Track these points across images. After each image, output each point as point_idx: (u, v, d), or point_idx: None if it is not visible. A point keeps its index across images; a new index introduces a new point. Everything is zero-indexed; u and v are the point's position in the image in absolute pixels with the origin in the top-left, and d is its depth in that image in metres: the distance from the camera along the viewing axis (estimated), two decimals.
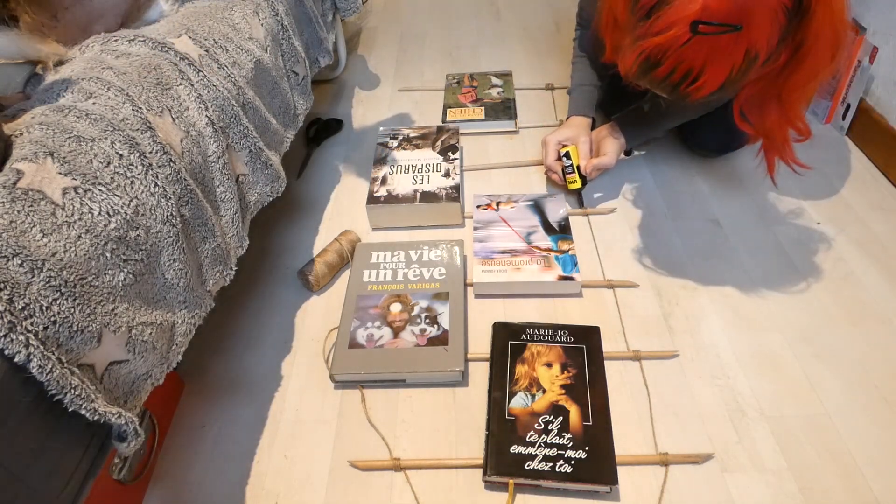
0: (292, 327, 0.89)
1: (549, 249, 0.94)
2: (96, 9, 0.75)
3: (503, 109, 1.27)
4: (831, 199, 1.04)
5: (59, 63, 0.69)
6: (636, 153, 1.16)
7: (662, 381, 0.79)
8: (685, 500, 0.67)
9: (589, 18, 1.08)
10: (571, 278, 0.89)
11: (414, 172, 1.08)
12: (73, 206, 0.51)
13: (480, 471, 0.70)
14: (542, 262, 0.92)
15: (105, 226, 0.52)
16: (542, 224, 0.99)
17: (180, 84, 0.69)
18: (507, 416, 0.73)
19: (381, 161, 1.12)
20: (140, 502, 0.71)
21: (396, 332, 0.83)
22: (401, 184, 1.06)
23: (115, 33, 0.72)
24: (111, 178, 0.55)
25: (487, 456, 0.70)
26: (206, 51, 0.75)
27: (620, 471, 0.69)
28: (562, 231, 0.97)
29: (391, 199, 1.03)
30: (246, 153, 0.77)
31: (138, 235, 0.55)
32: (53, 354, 0.44)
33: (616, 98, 1.14)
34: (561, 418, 0.72)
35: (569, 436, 0.70)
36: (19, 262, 0.44)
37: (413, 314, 0.85)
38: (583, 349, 0.80)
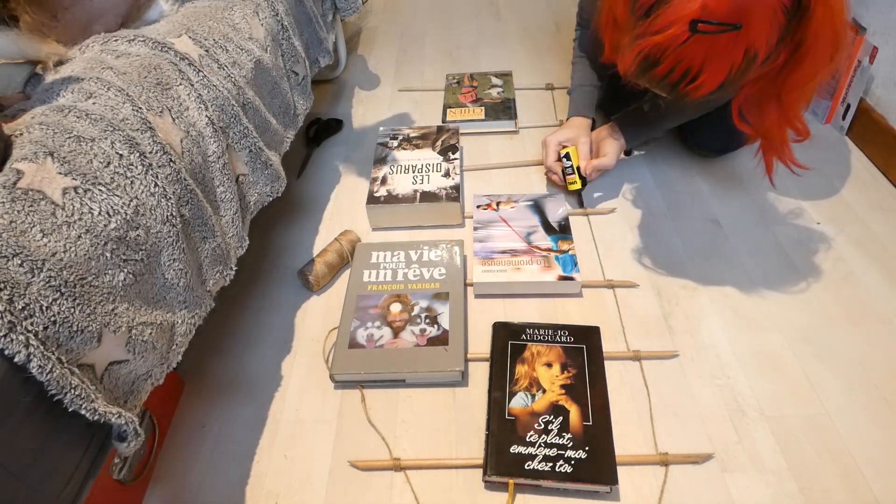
0: (292, 327, 0.89)
1: (549, 249, 0.94)
2: (96, 9, 0.75)
3: (503, 109, 1.27)
4: (831, 199, 1.04)
5: (59, 63, 0.69)
6: (636, 153, 1.16)
7: (662, 381, 0.79)
8: (685, 500, 0.67)
9: (589, 18, 1.08)
10: (571, 278, 0.89)
11: (414, 172, 1.08)
12: (73, 206, 0.51)
13: (480, 471, 0.70)
14: (542, 262, 0.92)
15: (105, 226, 0.52)
16: (542, 224, 0.99)
17: (180, 84, 0.69)
18: (507, 416, 0.73)
19: (381, 161, 1.12)
20: (140, 502, 0.71)
21: (396, 332, 0.83)
22: (401, 184, 1.06)
23: (115, 33, 0.72)
24: (111, 178, 0.55)
25: (487, 456, 0.70)
26: (206, 51, 0.75)
27: (620, 471, 0.69)
28: (562, 231, 0.97)
29: (391, 199, 1.03)
30: (246, 153, 0.77)
31: (138, 235, 0.56)
32: (53, 354, 0.44)
33: (616, 98, 1.14)
34: (561, 418, 0.72)
35: (569, 436, 0.70)
36: (19, 262, 0.44)
37: (413, 314, 0.85)
38: (583, 349, 0.80)
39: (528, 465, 0.68)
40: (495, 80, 1.37)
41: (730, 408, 0.75)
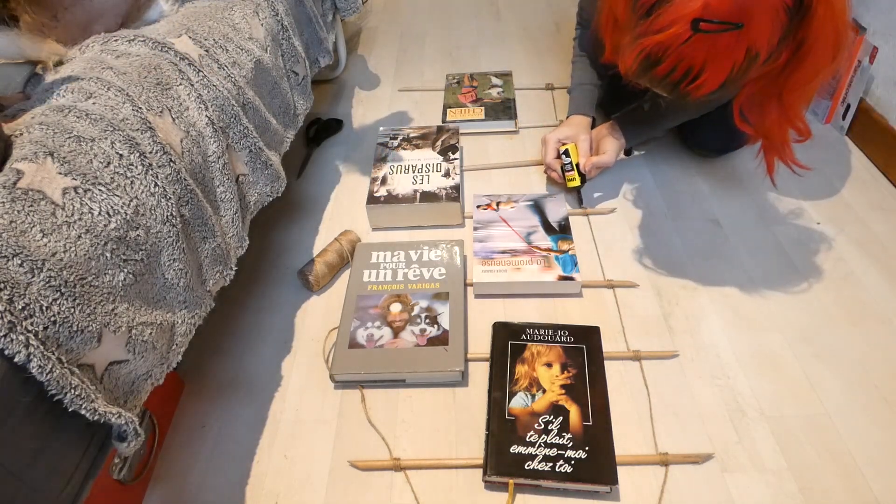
0: (292, 327, 0.89)
1: (549, 249, 0.94)
2: (96, 9, 0.75)
3: (503, 109, 1.27)
4: (831, 199, 1.04)
5: (59, 63, 0.69)
6: (636, 153, 1.16)
7: (662, 381, 0.79)
8: (685, 500, 0.67)
9: (589, 18, 1.08)
10: (571, 278, 0.89)
11: (414, 172, 1.08)
12: (73, 206, 0.51)
13: (480, 471, 0.70)
14: (542, 262, 0.92)
15: (105, 226, 0.52)
16: (542, 224, 0.99)
17: (180, 84, 0.69)
18: (507, 416, 0.73)
19: (381, 161, 1.12)
20: (140, 502, 0.71)
21: (396, 332, 0.83)
22: (401, 184, 1.06)
23: (115, 33, 0.72)
24: (111, 178, 0.55)
25: (487, 456, 0.70)
26: (206, 51, 0.75)
27: (620, 471, 0.69)
28: (562, 231, 0.97)
29: (391, 199, 1.03)
30: (246, 153, 0.77)
31: (138, 235, 0.56)
32: (53, 354, 0.44)
33: (616, 98, 1.14)
34: (561, 418, 0.72)
35: (569, 436, 0.70)
36: (19, 262, 0.44)
37: (413, 314, 0.85)
38: (583, 349, 0.80)
39: (528, 465, 0.68)
40: (495, 80, 1.37)
41: (730, 408, 0.75)
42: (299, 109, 0.98)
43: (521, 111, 1.29)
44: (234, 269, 0.73)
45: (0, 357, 0.41)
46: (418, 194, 1.03)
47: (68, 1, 0.73)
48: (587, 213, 1.04)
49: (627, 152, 1.16)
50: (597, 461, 0.68)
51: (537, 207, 1.02)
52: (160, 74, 0.68)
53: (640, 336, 0.84)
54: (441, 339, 0.82)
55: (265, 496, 0.70)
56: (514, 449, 0.70)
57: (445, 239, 0.98)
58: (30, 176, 0.50)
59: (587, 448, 0.69)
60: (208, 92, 0.71)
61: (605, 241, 0.99)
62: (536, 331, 0.83)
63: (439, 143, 1.15)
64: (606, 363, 0.79)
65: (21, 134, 0.54)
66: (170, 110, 0.66)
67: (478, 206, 1.03)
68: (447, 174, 1.07)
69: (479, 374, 0.81)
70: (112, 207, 0.53)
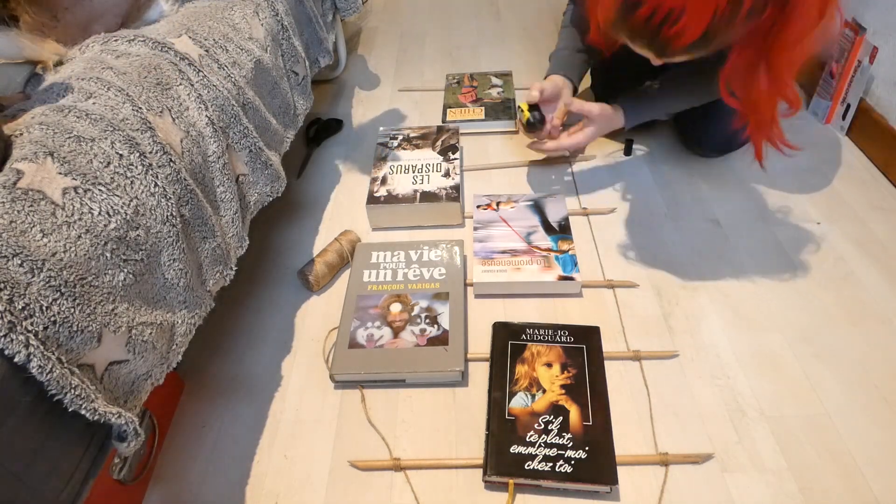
0: (292, 327, 0.89)
1: (549, 249, 0.94)
2: (96, 9, 0.75)
3: (503, 109, 1.27)
4: (831, 200, 1.04)
5: (59, 63, 0.69)
6: (638, 151, 1.16)
7: (662, 381, 0.79)
8: (685, 500, 0.67)
9: None
10: (571, 278, 0.89)
11: (414, 172, 1.08)
12: (73, 206, 0.51)
13: (480, 471, 0.70)
14: (542, 262, 0.92)
15: (105, 226, 0.52)
16: (542, 224, 0.99)
17: (180, 84, 0.69)
18: (507, 416, 0.73)
19: (381, 161, 1.12)
20: (140, 502, 0.71)
21: (396, 332, 0.83)
22: (401, 184, 1.06)
23: (115, 33, 0.72)
24: (111, 178, 0.55)
25: (487, 456, 0.70)
26: (206, 51, 0.75)
27: (620, 471, 0.69)
28: (562, 231, 0.97)
29: (391, 199, 1.03)
30: (246, 153, 0.77)
31: (138, 235, 0.56)
32: (53, 354, 0.44)
33: (609, 87, 1.14)
34: (561, 418, 0.72)
35: (569, 436, 0.70)
36: (19, 262, 0.44)
37: (413, 314, 0.85)
38: (583, 349, 0.80)
39: (528, 465, 0.68)
40: (495, 80, 1.37)
41: (730, 408, 0.75)
42: (299, 109, 0.98)
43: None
44: (234, 269, 0.73)
45: (0, 357, 0.41)
46: (418, 194, 1.03)
47: (68, 1, 0.73)
48: (587, 213, 1.04)
49: (627, 152, 1.16)
50: (597, 461, 0.68)
51: (537, 207, 1.02)
52: (160, 74, 0.68)
53: (640, 336, 0.84)
54: (441, 339, 0.82)
55: (265, 496, 0.70)
56: (514, 449, 0.70)
57: (445, 239, 0.98)
58: (30, 176, 0.50)
59: (587, 448, 0.69)
60: (208, 92, 0.71)
61: (605, 241, 0.99)
62: (536, 331, 0.83)
63: (439, 143, 1.15)
64: (606, 363, 0.79)
65: (21, 134, 0.54)
66: (170, 110, 0.66)
67: (478, 206, 1.03)
68: (447, 174, 1.07)
69: (479, 374, 0.81)
70: (112, 207, 0.53)
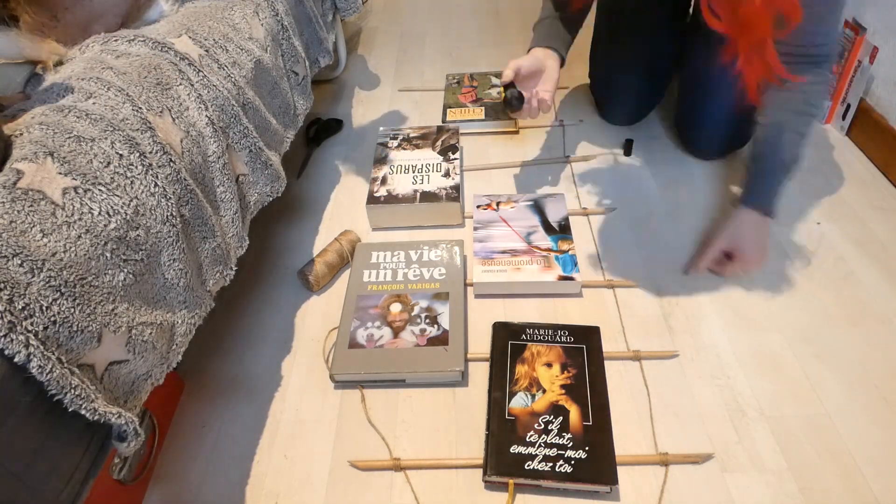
0: (292, 327, 0.89)
1: (549, 249, 0.94)
2: (96, 9, 0.75)
3: (503, 109, 1.27)
4: (831, 199, 1.04)
5: (59, 63, 0.69)
6: (637, 153, 1.16)
7: (662, 381, 0.79)
8: (685, 500, 0.67)
9: None
10: (571, 278, 0.89)
11: (414, 172, 1.08)
12: (73, 206, 0.51)
13: (480, 471, 0.70)
14: (542, 262, 0.92)
15: (105, 226, 0.52)
16: (542, 224, 0.99)
17: (180, 84, 0.69)
18: (507, 416, 0.73)
19: (381, 161, 1.12)
20: (140, 502, 0.71)
21: (396, 332, 0.83)
22: (401, 184, 1.06)
23: (115, 33, 0.72)
24: (111, 178, 0.55)
25: (487, 456, 0.70)
26: (206, 51, 0.75)
27: (620, 471, 0.69)
28: (562, 231, 0.97)
29: (391, 199, 1.03)
30: (246, 153, 0.77)
31: (138, 235, 0.56)
32: (53, 354, 0.44)
33: (614, 35, 1.13)
34: (561, 418, 0.72)
35: (569, 436, 0.70)
36: (19, 262, 0.44)
37: (413, 314, 0.85)
38: (583, 349, 0.80)
39: (528, 465, 0.68)
40: (495, 80, 1.37)
41: (730, 408, 0.75)
42: (299, 109, 0.98)
43: None
44: (234, 269, 0.73)
45: (0, 357, 0.41)
46: (418, 194, 1.03)
47: (68, 1, 0.73)
48: (587, 213, 1.04)
49: (627, 152, 1.16)
50: (597, 461, 0.68)
51: (537, 207, 1.02)
52: (160, 74, 0.68)
53: (640, 336, 0.84)
54: (441, 339, 0.82)
55: (265, 496, 0.70)
56: (514, 449, 0.70)
57: (445, 239, 0.98)
58: (30, 176, 0.50)
59: (587, 448, 0.69)
60: (208, 92, 0.71)
61: (605, 241, 0.99)
62: (536, 331, 0.83)
63: (439, 143, 1.15)
64: (606, 363, 0.79)
65: (21, 134, 0.54)
66: (170, 110, 0.66)
67: (478, 206, 1.03)
68: (447, 174, 1.07)
69: (479, 374, 0.81)
70: (112, 207, 0.53)
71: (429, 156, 1.12)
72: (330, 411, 0.78)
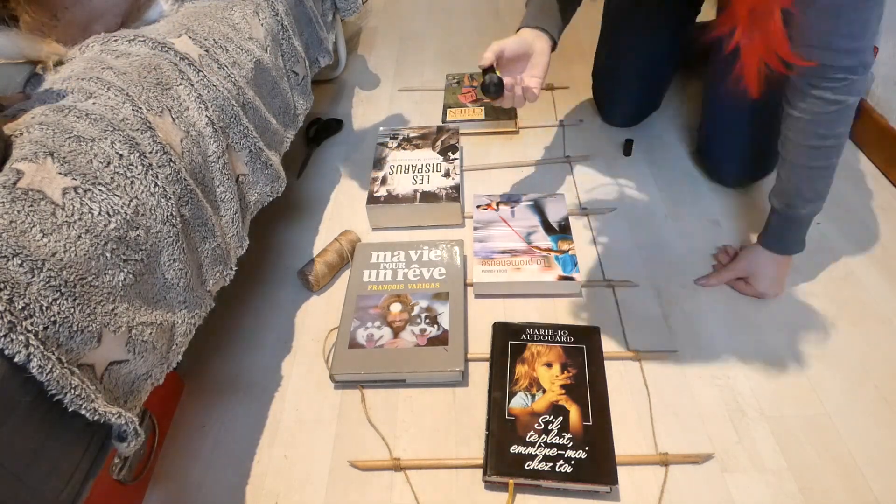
0: (292, 327, 0.89)
1: (549, 249, 0.94)
2: (96, 8, 0.75)
3: (503, 109, 1.27)
4: (831, 199, 1.03)
5: (59, 63, 0.69)
6: (637, 152, 1.16)
7: (662, 381, 0.79)
8: (685, 500, 0.67)
9: None
10: (571, 278, 0.89)
11: (414, 172, 1.08)
12: (73, 206, 0.51)
13: (480, 471, 0.70)
14: (542, 262, 0.92)
15: (105, 226, 0.52)
16: (542, 224, 0.99)
17: (180, 84, 0.69)
18: (507, 416, 0.73)
19: (381, 161, 1.12)
20: (140, 502, 0.71)
21: (396, 332, 0.83)
22: (401, 184, 1.06)
23: (115, 33, 0.72)
24: (111, 178, 0.55)
25: (487, 456, 0.70)
26: (206, 51, 0.75)
27: (620, 471, 0.69)
28: (562, 231, 0.97)
29: (391, 199, 1.03)
30: (246, 153, 0.77)
31: (138, 235, 0.55)
32: (53, 354, 0.44)
33: (617, 35, 1.12)
34: (561, 418, 0.72)
35: (569, 436, 0.70)
36: (19, 262, 0.44)
37: (413, 314, 0.85)
38: (583, 349, 0.80)
39: (528, 465, 0.68)
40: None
41: (730, 408, 0.75)
42: (299, 109, 0.98)
43: (521, 111, 1.29)
44: (234, 269, 0.73)
45: (0, 357, 0.41)
46: (418, 194, 1.03)
47: (68, 1, 0.73)
48: (587, 213, 1.04)
49: (627, 152, 1.16)
50: (597, 461, 0.68)
51: (537, 207, 1.02)
52: (160, 74, 0.68)
53: (640, 336, 0.84)
54: (441, 339, 0.82)
55: (265, 496, 0.70)
56: (514, 449, 0.70)
57: (445, 239, 0.98)
58: (30, 176, 0.50)
59: (587, 448, 0.69)
60: (208, 92, 0.71)
61: (605, 241, 0.99)
62: (536, 331, 0.83)
63: (439, 143, 1.15)
64: (606, 363, 0.79)
65: (21, 134, 0.54)
66: (170, 110, 0.66)
67: (478, 206, 1.03)
68: (447, 174, 1.07)
69: (479, 374, 0.81)
70: (112, 207, 0.53)
71: (429, 156, 1.12)
72: (330, 411, 0.78)
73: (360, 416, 0.78)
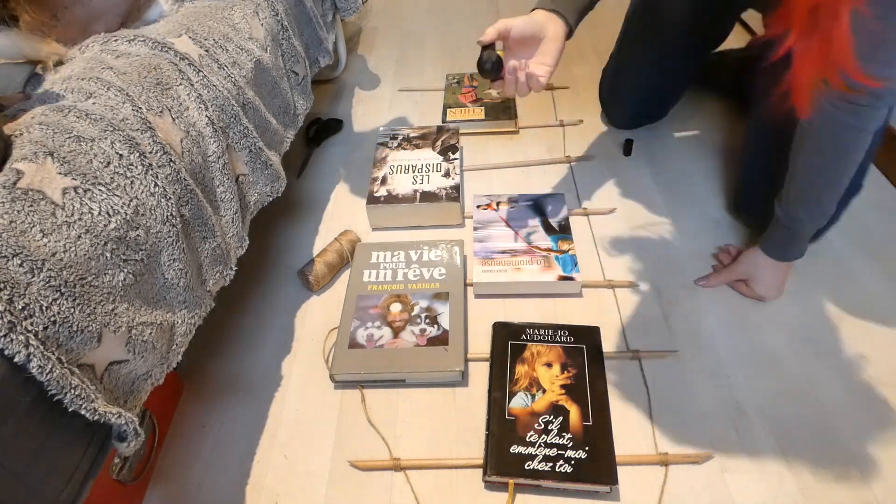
0: (292, 327, 0.89)
1: (549, 249, 0.94)
2: (96, 8, 0.75)
3: (503, 109, 1.27)
4: None
5: (59, 63, 0.69)
6: (637, 152, 1.16)
7: (662, 380, 0.79)
8: (685, 500, 0.67)
9: None
10: (571, 278, 0.89)
11: (414, 172, 1.08)
12: (73, 206, 0.51)
13: (480, 471, 0.70)
14: (542, 262, 0.92)
15: (105, 226, 0.52)
16: (542, 224, 0.99)
17: (180, 84, 0.69)
18: (507, 416, 0.73)
19: (381, 161, 1.12)
20: (140, 502, 0.71)
21: (396, 332, 0.83)
22: (401, 184, 1.06)
23: (115, 33, 0.72)
24: (111, 178, 0.55)
25: (487, 456, 0.70)
26: (206, 51, 0.75)
27: (620, 471, 0.69)
28: (562, 231, 0.97)
29: (391, 199, 1.03)
30: (246, 153, 0.77)
31: (138, 235, 0.56)
32: (53, 354, 0.44)
33: (635, 38, 1.06)
34: (561, 418, 0.72)
35: (569, 436, 0.70)
36: (19, 262, 0.44)
37: (413, 314, 0.85)
38: (583, 349, 0.80)
39: (528, 465, 0.68)
40: None
41: (730, 408, 0.75)
42: (299, 109, 0.98)
43: (521, 111, 1.29)
44: (234, 269, 0.73)
45: (0, 357, 0.41)
46: (418, 194, 1.03)
47: (68, 0, 0.73)
48: (587, 213, 1.04)
49: (627, 152, 1.16)
50: (597, 461, 0.68)
51: (537, 207, 1.02)
52: (160, 74, 0.68)
53: (640, 336, 0.84)
54: (441, 339, 0.82)
55: (265, 496, 0.70)
56: (514, 449, 0.70)
57: (445, 239, 0.98)
58: (30, 176, 0.50)
59: (587, 448, 0.69)
60: (208, 92, 0.71)
61: (605, 241, 0.99)
62: (536, 331, 0.83)
63: (439, 143, 1.15)
64: (606, 363, 0.79)
65: (21, 134, 0.54)
66: (170, 110, 0.66)
67: (478, 206, 1.03)
68: (447, 174, 1.07)
69: (479, 374, 0.81)
70: (112, 207, 0.53)
71: (429, 156, 1.12)
72: (330, 411, 0.78)
73: (360, 416, 0.78)
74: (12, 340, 0.41)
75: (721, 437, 0.72)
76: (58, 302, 0.46)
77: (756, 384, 0.77)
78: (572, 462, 0.68)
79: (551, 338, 0.82)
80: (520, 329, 0.83)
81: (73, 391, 0.45)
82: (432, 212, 1.03)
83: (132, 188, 0.56)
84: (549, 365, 0.78)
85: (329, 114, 1.34)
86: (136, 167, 0.57)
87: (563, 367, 0.78)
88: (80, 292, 0.48)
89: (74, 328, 0.46)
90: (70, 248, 0.48)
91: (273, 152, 0.85)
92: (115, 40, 0.70)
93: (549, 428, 0.71)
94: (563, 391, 0.75)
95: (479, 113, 1.27)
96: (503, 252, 0.94)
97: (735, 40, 1.17)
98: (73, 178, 0.52)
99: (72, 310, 0.47)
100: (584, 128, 1.24)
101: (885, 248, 0.94)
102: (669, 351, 0.82)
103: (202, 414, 0.79)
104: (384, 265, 0.93)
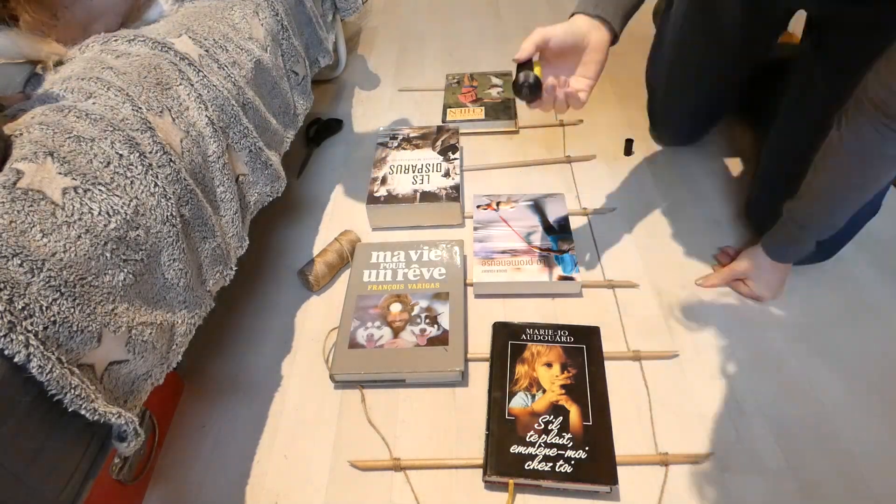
0: (292, 327, 0.89)
1: (549, 249, 0.94)
2: (96, 8, 0.75)
3: (503, 109, 1.27)
4: None
5: (59, 63, 0.69)
6: (637, 152, 1.16)
7: (662, 381, 0.79)
8: (685, 500, 0.67)
9: None
10: (571, 278, 0.89)
11: (414, 172, 1.08)
12: (73, 206, 0.51)
13: (480, 471, 0.70)
14: (542, 262, 0.92)
15: (105, 226, 0.52)
16: (542, 224, 0.99)
17: (180, 84, 0.69)
18: (507, 416, 0.73)
19: (381, 161, 1.12)
20: (140, 502, 0.71)
21: (396, 332, 0.83)
22: (401, 184, 1.06)
23: (115, 33, 0.72)
24: (111, 178, 0.55)
25: (487, 456, 0.69)
26: (206, 51, 0.75)
27: (620, 471, 0.69)
28: (562, 231, 0.97)
29: (391, 199, 1.03)
30: (246, 153, 0.77)
31: (138, 235, 0.56)
32: (53, 354, 0.44)
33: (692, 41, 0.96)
34: (561, 418, 0.72)
35: (569, 436, 0.70)
36: (19, 262, 0.44)
37: (413, 314, 0.85)
38: (583, 349, 0.80)
39: (528, 465, 0.68)
40: (495, 80, 1.37)
41: (730, 408, 0.75)
42: (299, 109, 0.98)
43: (521, 111, 1.29)
44: (234, 269, 0.73)
45: (0, 357, 0.41)
46: (418, 194, 1.03)
47: (68, 0, 0.73)
48: (587, 213, 1.04)
49: (627, 152, 1.16)
50: (597, 461, 0.68)
51: (537, 207, 1.02)
52: (160, 74, 0.68)
53: (640, 336, 0.84)
54: (441, 339, 0.82)
55: (265, 496, 0.70)
56: (514, 449, 0.70)
57: (445, 239, 0.98)
58: (30, 176, 0.50)
59: (587, 448, 0.69)
60: (208, 92, 0.71)
61: (605, 241, 0.99)
62: (536, 331, 0.83)
63: (439, 143, 1.15)
64: (606, 363, 0.79)
65: (21, 134, 0.54)
66: (170, 110, 0.66)
67: (478, 206, 1.03)
68: (447, 174, 1.07)
69: (479, 374, 0.81)
70: (112, 207, 0.53)
71: (429, 156, 1.12)
72: (330, 411, 0.78)
73: (360, 416, 0.78)
74: (12, 340, 0.41)
75: (721, 437, 0.72)
76: (58, 302, 0.46)
77: (756, 384, 0.77)
78: (572, 462, 0.68)
79: (551, 338, 0.82)
80: (520, 329, 0.83)
81: (73, 391, 0.45)
82: (432, 212, 1.03)
83: (132, 188, 0.56)
84: (550, 365, 0.78)
85: (329, 114, 1.34)
86: (136, 167, 0.57)
87: (563, 367, 0.78)
88: (80, 292, 0.48)
89: (74, 328, 0.46)
90: (70, 248, 0.48)
91: (273, 152, 0.85)
92: (115, 40, 0.70)
93: (549, 428, 0.71)
94: (563, 391, 0.75)
95: (479, 113, 1.27)
96: (503, 252, 0.94)
97: None
98: (73, 178, 0.52)
99: (72, 310, 0.47)
100: (584, 128, 1.24)
101: (885, 248, 0.94)
102: (669, 351, 0.82)
103: (202, 414, 0.79)
104: (384, 265, 0.93)
